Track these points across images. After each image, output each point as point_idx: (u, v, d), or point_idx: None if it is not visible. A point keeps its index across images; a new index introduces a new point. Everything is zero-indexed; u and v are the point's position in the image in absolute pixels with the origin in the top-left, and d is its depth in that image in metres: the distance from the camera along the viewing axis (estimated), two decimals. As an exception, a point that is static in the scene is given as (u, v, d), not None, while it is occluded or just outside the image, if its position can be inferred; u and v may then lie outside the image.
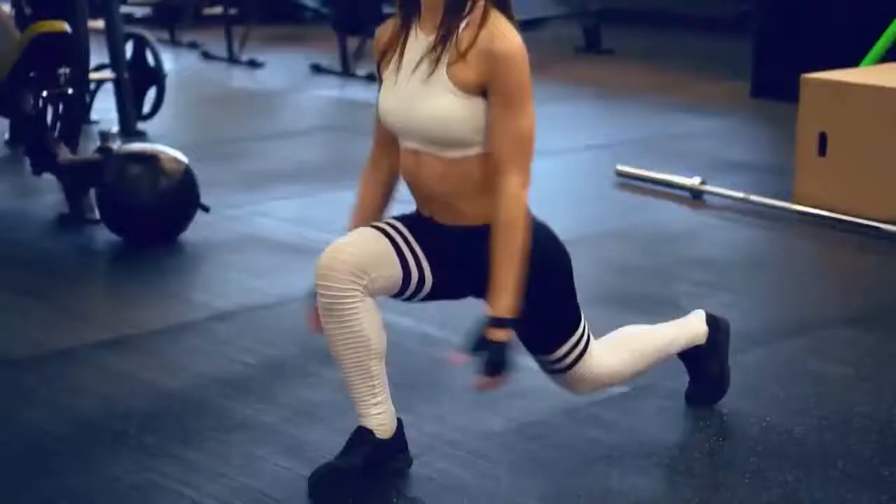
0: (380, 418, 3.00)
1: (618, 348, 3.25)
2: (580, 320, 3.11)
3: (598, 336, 3.24)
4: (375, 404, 2.99)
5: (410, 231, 2.99)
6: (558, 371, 3.16)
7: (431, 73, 2.84)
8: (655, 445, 3.27)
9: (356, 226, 3.04)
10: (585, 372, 3.16)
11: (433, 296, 3.05)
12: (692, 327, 3.42)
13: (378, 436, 3.00)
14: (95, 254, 5.02)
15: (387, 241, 2.95)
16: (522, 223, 2.84)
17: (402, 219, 3.03)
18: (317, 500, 2.95)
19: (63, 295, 4.47)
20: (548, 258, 2.99)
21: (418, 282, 2.98)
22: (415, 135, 2.90)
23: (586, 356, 3.13)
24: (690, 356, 3.44)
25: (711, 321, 3.46)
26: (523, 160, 2.84)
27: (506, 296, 2.83)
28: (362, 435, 3.00)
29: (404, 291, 2.99)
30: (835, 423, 3.38)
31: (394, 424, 3.04)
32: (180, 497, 2.97)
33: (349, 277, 2.85)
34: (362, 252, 2.89)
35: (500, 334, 2.84)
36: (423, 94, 2.86)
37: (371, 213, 3.09)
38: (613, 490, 3.03)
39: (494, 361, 2.85)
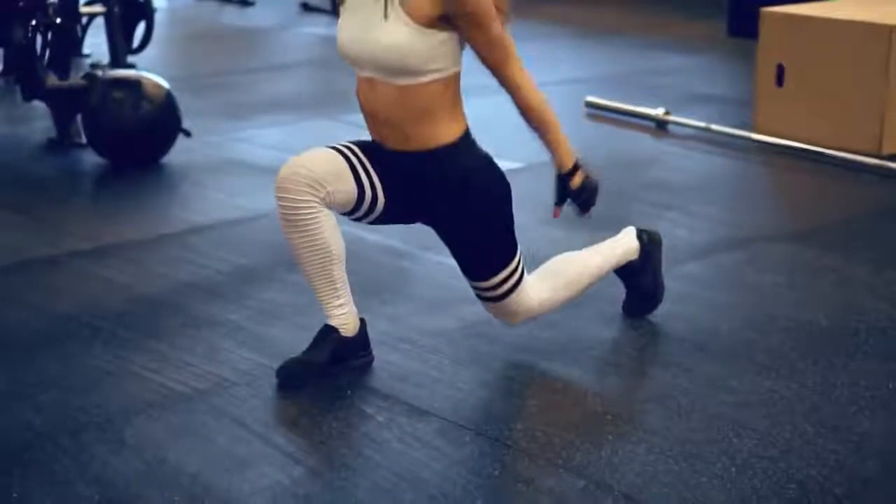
0: (343, 318, 3.27)
1: (551, 278, 3.46)
2: (516, 252, 3.32)
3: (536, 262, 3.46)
4: (339, 305, 3.26)
5: (365, 154, 3.22)
6: (491, 300, 3.36)
7: (387, 6, 3.04)
8: (591, 342, 3.53)
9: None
10: (519, 304, 3.37)
11: (385, 217, 3.29)
12: (623, 245, 3.63)
13: (343, 333, 3.27)
14: (81, 175, 5.25)
15: (343, 159, 3.18)
16: (537, 95, 3.18)
17: (358, 143, 3.26)
18: (283, 388, 3.21)
19: (48, 210, 4.70)
20: (489, 188, 3.24)
21: (371, 201, 3.22)
22: (371, 64, 3.11)
23: (520, 289, 3.34)
24: (624, 270, 3.66)
25: (643, 236, 3.67)
26: (509, 51, 3.11)
27: (563, 150, 3.25)
28: (328, 332, 3.27)
29: (358, 209, 3.23)
30: (759, 324, 3.63)
31: (357, 324, 3.30)
32: (148, 382, 3.24)
33: (306, 189, 3.10)
34: (318, 167, 3.13)
35: (578, 178, 3.26)
36: (379, 27, 3.05)
37: None
38: (546, 377, 3.30)
39: (586, 200, 3.31)
